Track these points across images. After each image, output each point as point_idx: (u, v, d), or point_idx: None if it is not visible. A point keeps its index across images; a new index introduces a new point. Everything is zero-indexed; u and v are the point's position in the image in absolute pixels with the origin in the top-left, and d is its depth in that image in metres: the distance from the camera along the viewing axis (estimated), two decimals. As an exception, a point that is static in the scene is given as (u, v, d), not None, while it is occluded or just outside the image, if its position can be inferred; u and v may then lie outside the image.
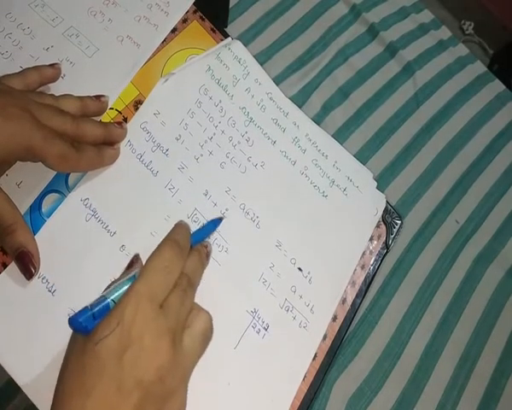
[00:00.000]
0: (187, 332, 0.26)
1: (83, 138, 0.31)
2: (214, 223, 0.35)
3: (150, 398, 0.23)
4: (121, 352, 0.23)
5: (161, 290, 0.26)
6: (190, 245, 0.31)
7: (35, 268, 0.30)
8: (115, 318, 0.24)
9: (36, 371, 0.29)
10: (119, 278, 0.28)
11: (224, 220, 0.36)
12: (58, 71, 0.36)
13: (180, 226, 0.31)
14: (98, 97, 0.35)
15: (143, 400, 0.23)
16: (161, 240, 0.29)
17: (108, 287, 0.27)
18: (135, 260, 0.30)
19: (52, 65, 0.35)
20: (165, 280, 0.26)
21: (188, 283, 0.28)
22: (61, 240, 0.32)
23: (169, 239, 0.29)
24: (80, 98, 0.34)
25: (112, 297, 0.25)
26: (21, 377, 0.28)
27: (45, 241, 0.31)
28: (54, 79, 0.35)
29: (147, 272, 0.26)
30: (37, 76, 0.34)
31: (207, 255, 0.33)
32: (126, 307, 0.24)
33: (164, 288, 0.26)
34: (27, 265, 0.29)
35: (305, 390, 0.35)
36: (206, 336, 0.28)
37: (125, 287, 0.26)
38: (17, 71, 0.35)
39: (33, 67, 0.34)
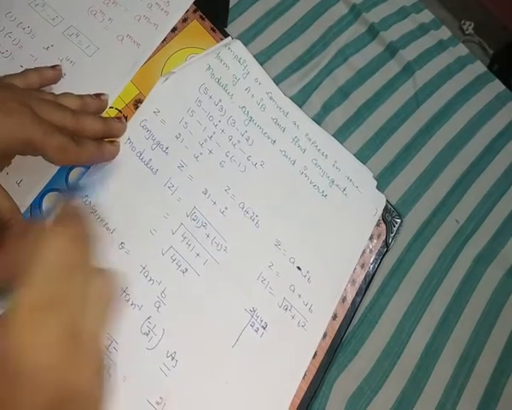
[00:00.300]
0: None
1: (82, 133, 0.32)
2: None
3: None
4: None
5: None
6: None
7: None
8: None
9: None
10: None
11: (223, 219, 0.36)
12: (59, 72, 0.36)
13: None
14: (98, 95, 0.35)
15: None
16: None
17: None
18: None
19: (53, 66, 0.36)
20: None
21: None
22: None
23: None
24: (80, 96, 0.34)
25: None
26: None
27: None
28: (54, 81, 0.36)
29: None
30: (38, 77, 0.34)
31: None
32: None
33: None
34: None
35: (305, 389, 0.35)
36: (104, 304, 0.24)
37: None
38: (17, 70, 0.35)
39: (34, 69, 0.34)
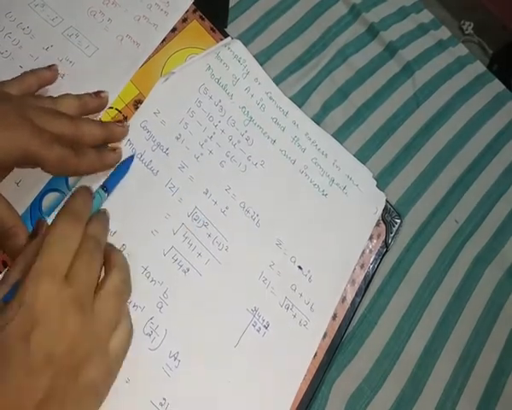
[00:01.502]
0: (97, 295, 0.26)
1: (82, 139, 0.31)
2: (126, 164, 0.35)
3: (62, 371, 0.23)
4: (27, 333, 0.22)
5: (61, 261, 0.25)
6: (107, 190, 0.32)
7: None
8: (17, 300, 0.23)
9: None
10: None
11: (224, 219, 0.36)
12: (55, 73, 0.35)
13: (76, 194, 0.29)
14: (97, 93, 0.35)
15: (55, 376, 0.23)
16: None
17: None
18: (39, 226, 0.29)
19: (49, 67, 0.35)
20: (63, 249, 0.25)
21: (93, 245, 0.27)
22: None
23: (63, 210, 0.27)
24: (79, 96, 0.34)
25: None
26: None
27: None
28: (51, 81, 0.35)
29: (43, 247, 0.25)
30: (35, 79, 0.34)
31: (107, 220, 0.31)
32: (27, 287, 0.23)
33: (64, 257, 0.25)
34: None
35: (305, 389, 0.35)
36: (119, 291, 0.27)
37: None
38: (17, 70, 0.35)
39: (31, 71, 0.34)
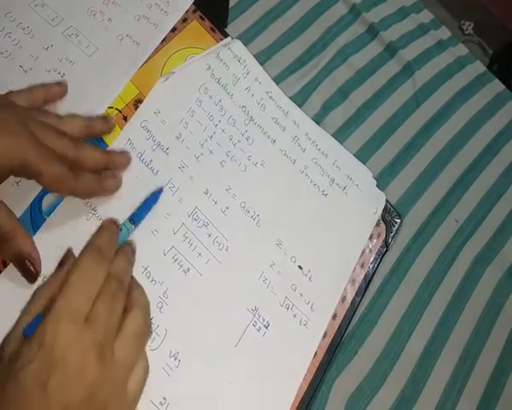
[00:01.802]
0: (117, 337, 0.25)
1: (83, 163, 0.30)
2: (155, 196, 0.34)
3: None
4: (45, 378, 0.22)
5: (83, 303, 0.24)
6: (134, 223, 0.31)
7: (38, 272, 0.29)
8: (36, 341, 0.23)
9: None
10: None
11: (224, 219, 0.36)
12: (65, 89, 0.35)
13: (102, 228, 0.29)
14: (104, 118, 0.35)
15: None
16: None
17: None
18: (68, 256, 0.28)
19: (59, 83, 0.35)
20: (86, 291, 0.25)
21: (116, 285, 0.26)
22: (61, 239, 0.32)
23: (88, 247, 0.27)
24: (85, 118, 0.33)
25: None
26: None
27: (45, 240, 0.31)
28: (60, 97, 0.35)
29: (66, 286, 0.24)
30: (43, 93, 0.33)
31: (133, 253, 0.31)
32: (46, 328, 0.23)
33: (86, 300, 0.25)
34: (29, 270, 0.29)
35: (305, 388, 0.35)
36: (140, 334, 0.27)
37: None
38: (17, 70, 0.35)
39: (39, 85, 0.33)
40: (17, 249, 0.28)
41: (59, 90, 0.35)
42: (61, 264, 0.28)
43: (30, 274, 0.29)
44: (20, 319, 0.25)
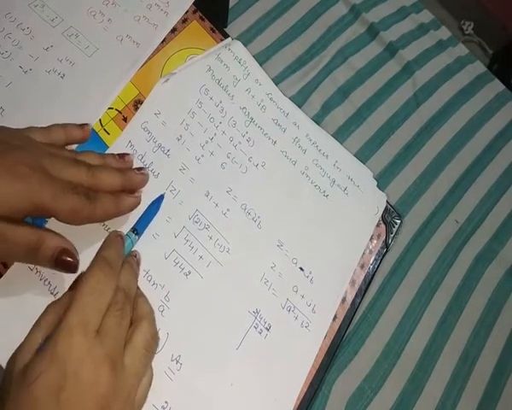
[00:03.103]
0: (127, 350, 0.26)
1: (99, 188, 0.30)
2: (156, 204, 0.34)
3: None
4: (58, 391, 0.22)
5: (94, 316, 0.25)
6: (138, 233, 0.31)
7: (76, 260, 0.28)
8: (49, 354, 0.23)
9: None
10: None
11: (225, 221, 0.36)
12: (87, 133, 0.34)
13: (109, 241, 0.29)
14: (122, 156, 0.34)
15: None
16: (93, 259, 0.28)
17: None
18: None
19: (81, 125, 0.34)
20: (97, 305, 0.25)
21: (124, 298, 0.27)
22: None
23: (97, 260, 0.28)
24: (102, 155, 0.33)
25: None
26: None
27: None
28: (82, 141, 0.34)
29: (77, 300, 0.25)
30: (63, 134, 0.32)
31: (138, 264, 0.32)
32: (59, 341, 0.23)
33: (97, 313, 0.25)
34: (67, 261, 0.28)
35: (305, 389, 0.35)
36: (149, 346, 0.27)
37: None
38: (17, 71, 0.35)
39: (60, 125, 0.33)
40: (49, 252, 0.27)
41: (81, 133, 0.33)
42: (74, 287, 0.28)
43: (69, 266, 0.28)
44: (31, 332, 0.25)
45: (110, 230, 0.33)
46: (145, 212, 0.34)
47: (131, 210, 0.32)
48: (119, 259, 0.29)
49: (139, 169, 0.34)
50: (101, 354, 0.24)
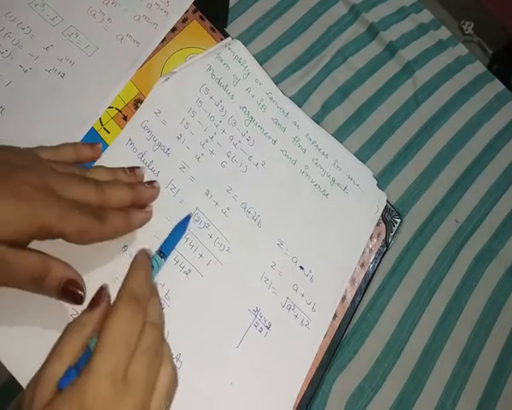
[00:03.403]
0: (153, 397, 0.24)
1: (108, 205, 0.29)
2: (183, 225, 0.34)
3: None
4: None
5: (122, 360, 0.23)
6: (164, 256, 0.30)
7: (83, 292, 0.27)
8: (76, 401, 0.22)
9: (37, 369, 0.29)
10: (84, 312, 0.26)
11: (225, 220, 0.36)
12: (98, 152, 0.33)
13: (136, 266, 0.28)
14: (133, 169, 0.33)
15: None
16: (118, 293, 0.26)
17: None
18: (102, 295, 0.27)
19: (92, 144, 0.33)
20: (125, 347, 0.24)
21: (153, 337, 0.25)
22: (63, 241, 0.32)
23: (124, 292, 0.26)
24: (112, 170, 0.32)
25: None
26: (23, 374, 0.28)
27: (48, 242, 0.31)
28: (92, 160, 0.33)
29: (104, 343, 0.23)
30: (73, 154, 0.31)
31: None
32: (86, 388, 0.22)
33: (125, 355, 0.24)
34: (73, 292, 0.27)
35: (305, 388, 0.35)
36: (171, 388, 0.26)
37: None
38: (17, 70, 0.35)
39: (70, 144, 0.32)
40: (55, 283, 0.26)
41: (91, 153, 0.32)
42: (95, 302, 0.26)
43: (76, 297, 0.27)
44: (50, 362, 0.23)
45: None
46: (171, 233, 0.33)
47: (142, 225, 0.31)
48: (147, 289, 0.27)
49: (149, 183, 0.32)
50: (129, 404, 0.23)
